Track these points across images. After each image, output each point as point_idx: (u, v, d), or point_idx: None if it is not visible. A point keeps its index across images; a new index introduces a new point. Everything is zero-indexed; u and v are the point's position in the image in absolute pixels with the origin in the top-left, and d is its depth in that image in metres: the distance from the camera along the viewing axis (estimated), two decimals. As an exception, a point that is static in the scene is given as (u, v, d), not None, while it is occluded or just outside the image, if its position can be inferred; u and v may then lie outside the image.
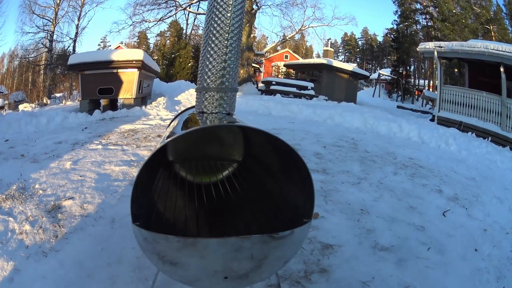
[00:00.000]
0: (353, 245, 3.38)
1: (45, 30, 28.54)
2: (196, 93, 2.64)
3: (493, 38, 27.77)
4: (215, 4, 2.45)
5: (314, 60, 25.93)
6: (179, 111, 3.57)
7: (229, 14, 2.43)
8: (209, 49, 2.48)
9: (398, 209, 4.27)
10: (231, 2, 2.43)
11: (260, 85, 22.89)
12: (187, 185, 2.84)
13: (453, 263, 3.23)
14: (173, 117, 3.49)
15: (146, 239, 1.81)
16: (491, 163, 7.45)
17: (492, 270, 3.23)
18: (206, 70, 2.49)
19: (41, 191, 4.18)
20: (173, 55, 31.45)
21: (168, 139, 1.95)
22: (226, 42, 2.44)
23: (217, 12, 2.45)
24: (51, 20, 28.47)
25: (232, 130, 2.83)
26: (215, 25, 2.45)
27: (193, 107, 2.98)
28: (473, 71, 14.32)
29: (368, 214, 4.04)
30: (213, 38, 2.45)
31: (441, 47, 13.58)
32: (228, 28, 2.43)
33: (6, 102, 20.98)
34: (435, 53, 13.76)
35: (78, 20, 30.07)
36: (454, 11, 30.29)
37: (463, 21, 29.28)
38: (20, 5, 29.10)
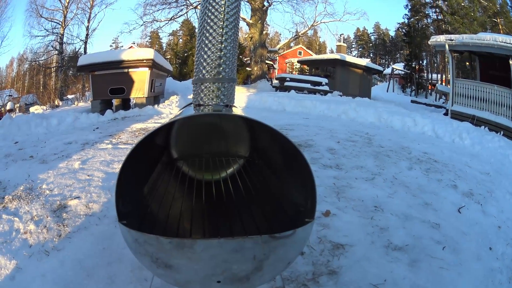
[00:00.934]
0: (365, 245, 3.22)
1: (55, 32, 28.67)
2: (192, 85, 2.50)
3: (501, 31, 27.21)
4: None
5: (327, 56, 25.75)
6: (184, 105, 3.49)
7: (223, 2, 2.27)
8: (203, 38, 2.33)
9: (412, 206, 4.11)
10: None
11: (275, 81, 22.76)
12: (188, 182, 2.68)
13: (467, 263, 3.08)
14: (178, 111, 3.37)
15: (137, 240, 1.67)
16: (503, 157, 7.24)
17: (504, 270, 3.10)
18: (202, 60, 2.34)
19: (48, 191, 4.17)
20: (185, 54, 31.45)
21: (152, 130, 1.83)
22: (221, 30, 2.27)
23: (211, 0, 2.30)
24: (60, 23, 28.55)
25: (236, 123, 2.69)
26: (209, 13, 2.29)
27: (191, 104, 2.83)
28: (483, 64, 14.00)
29: (381, 212, 3.88)
30: (208, 27, 2.30)
31: (452, 40, 13.31)
32: (222, 16, 2.27)
33: (17, 105, 21.11)
34: (447, 46, 13.48)
35: (88, 22, 30.17)
36: (462, 4, 29.75)
37: (471, 14, 28.76)
38: (27, 9, 29.42)
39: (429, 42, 15.19)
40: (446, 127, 9.34)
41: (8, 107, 16.85)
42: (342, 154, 6.03)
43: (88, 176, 4.66)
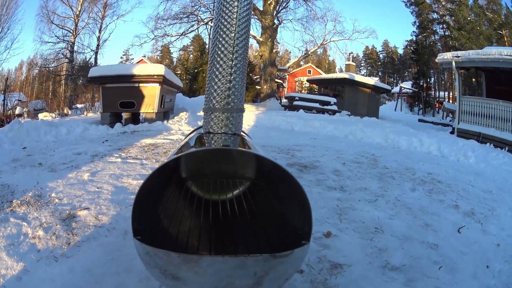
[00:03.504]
0: (363, 265, 3.31)
1: (65, 40, 29.24)
2: (203, 113, 2.69)
3: (506, 43, 27.28)
4: (220, 24, 2.51)
5: (336, 75, 25.90)
6: (191, 130, 3.64)
7: (232, 35, 2.48)
8: (214, 69, 2.54)
9: (413, 227, 4.17)
10: (234, 22, 2.49)
11: (284, 100, 22.96)
12: (196, 202, 2.84)
13: (463, 282, 3.13)
14: (187, 134, 3.58)
15: (148, 253, 1.88)
16: (507, 174, 7.26)
17: (500, 286, 3.14)
18: (212, 91, 2.55)
19: (57, 200, 4.28)
20: (196, 70, 31.68)
21: (165, 161, 2.03)
22: (231, 62, 2.49)
23: (221, 32, 2.51)
24: (71, 31, 29.10)
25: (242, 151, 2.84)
26: (220, 45, 2.51)
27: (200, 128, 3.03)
28: (490, 79, 14.09)
29: (382, 233, 3.96)
30: (218, 59, 2.51)
31: (458, 56, 13.42)
32: (232, 49, 2.48)
33: (25, 109, 21.19)
34: (453, 63, 13.60)
35: (99, 32, 30.90)
36: (468, 18, 29.93)
37: (477, 28, 28.92)
38: (37, 14, 29.86)
39: (436, 60, 15.31)
40: (452, 146, 9.37)
41: (17, 112, 17.00)
42: (347, 176, 6.10)
43: (97, 188, 4.76)
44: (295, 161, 6.91)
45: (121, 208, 4.20)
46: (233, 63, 2.49)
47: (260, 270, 1.83)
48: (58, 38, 29.00)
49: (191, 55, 39.63)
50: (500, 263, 3.53)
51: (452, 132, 13.79)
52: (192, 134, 3.21)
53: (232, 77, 2.50)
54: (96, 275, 2.89)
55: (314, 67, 45.82)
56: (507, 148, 10.52)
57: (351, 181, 5.80)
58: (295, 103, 20.30)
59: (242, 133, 2.96)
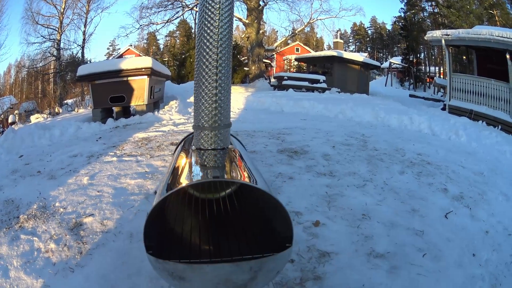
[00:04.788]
0: (349, 253, 3.47)
1: (51, 39, 28.90)
2: (193, 129, 2.86)
3: (498, 23, 27.26)
4: (202, 45, 2.62)
5: (324, 53, 25.82)
6: (181, 139, 3.83)
7: (214, 56, 2.60)
8: (200, 91, 2.68)
9: (399, 213, 4.29)
10: (215, 44, 2.60)
11: (273, 80, 22.89)
12: (194, 201, 3.06)
13: (447, 271, 3.25)
14: (178, 144, 3.82)
15: (158, 262, 2.16)
16: (500, 154, 7.36)
17: (487, 277, 3.23)
18: (200, 111, 2.70)
19: (61, 209, 4.33)
20: (183, 56, 31.48)
21: (161, 197, 2.25)
22: (215, 83, 2.62)
23: (204, 53, 2.62)
24: (57, 29, 28.78)
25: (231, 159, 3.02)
26: (204, 66, 2.62)
27: (192, 134, 3.24)
28: (481, 58, 14.14)
29: (369, 220, 4.09)
30: (203, 80, 2.64)
31: (448, 35, 13.46)
32: (215, 70, 2.60)
33: (16, 112, 21.03)
34: (443, 41, 13.66)
35: (85, 26, 30.50)
36: None
37: (467, 7, 28.79)
38: (23, 17, 29.59)
39: (425, 37, 15.30)
40: (443, 124, 9.50)
41: (10, 120, 16.87)
42: (337, 160, 6.18)
43: (98, 192, 4.81)
44: (285, 146, 6.99)
45: (123, 211, 4.29)
46: (218, 83, 2.62)
47: (254, 266, 2.17)
48: (44, 37, 28.68)
49: (178, 40, 39.23)
50: (487, 251, 3.61)
51: (443, 109, 13.91)
52: (183, 146, 3.46)
53: (218, 96, 2.64)
54: (111, 280, 3.08)
55: (302, 45, 45.48)
56: (500, 126, 10.67)
57: (340, 166, 5.90)
58: (284, 82, 20.30)
59: (231, 136, 3.22)
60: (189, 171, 2.71)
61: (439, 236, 3.82)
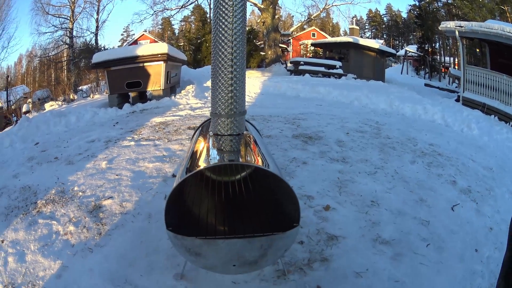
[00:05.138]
0: (356, 237, 3.57)
1: (63, 28, 28.72)
2: (210, 116, 3.02)
3: (509, 19, 26.57)
4: (218, 39, 2.79)
5: (340, 39, 25.46)
6: (199, 125, 4.01)
7: (230, 50, 2.76)
8: (217, 81, 2.83)
9: (407, 202, 4.34)
10: (230, 39, 2.76)
11: (289, 65, 22.68)
12: (211, 183, 3.28)
13: (448, 263, 3.31)
14: (196, 130, 4.02)
15: (177, 238, 2.41)
16: (510, 151, 7.24)
17: (487, 275, 3.25)
18: (217, 99, 2.86)
19: (80, 193, 4.43)
20: (199, 40, 31.19)
21: (182, 179, 2.48)
22: (231, 75, 2.78)
23: (219, 47, 2.78)
24: (68, 18, 28.58)
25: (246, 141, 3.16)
26: (220, 59, 2.79)
27: (209, 120, 3.45)
28: (493, 52, 13.85)
29: (377, 206, 4.16)
30: (219, 71, 2.80)
31: (462, 26, 13.18)
32: (231, 62, 2.76)
33: (30, 101, 21.07)
34: (456, 32, 13.38)
35: (97, 14, 30.41)
36: None
37: (480, 1, 28.07)
38: (32, 9, 29.36)
39: (439, 28, 15.00)
40: (456, 116, 9.42)
41: (24, 109, 16.95)
42: (350, 146, 6.22)
43: (116, 175, 4.90)
44: (300, 132, 7.03)
45: (142, 193, 4.40)
46: (233, 74, 2.78)
47: (265, 243, 2.43)
48: (55, 27, 28.56)
49: (193, 26, 38.83)
50: (490, 248, 3.64)
51: (457, 100, 13.70)
52: (201, 130, 3.74)
53: (233, 87, 2.80)
54: (129, 258, 3.23)
55: (318, 30, 44.69)
56: (511, 123, 10.48)
57: (353, 152, 5.94)
58: (301, 67, 20.12)
59: (246, 122, 3.38)
60: (207, 155, 2.87)
61: (444, 227, 3.87)
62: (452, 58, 36.26)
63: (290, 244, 2.56)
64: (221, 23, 2.75)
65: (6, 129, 9.42)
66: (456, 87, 20.52)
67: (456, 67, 30.39)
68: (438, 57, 36.16)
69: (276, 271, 3.04)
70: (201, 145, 3.10)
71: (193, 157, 2.87)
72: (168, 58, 11.75)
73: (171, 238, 2.47)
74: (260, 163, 2.69)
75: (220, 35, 2.76)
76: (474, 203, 4.57)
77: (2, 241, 3.51)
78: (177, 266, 3.06)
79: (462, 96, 13.26)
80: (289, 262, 3.16)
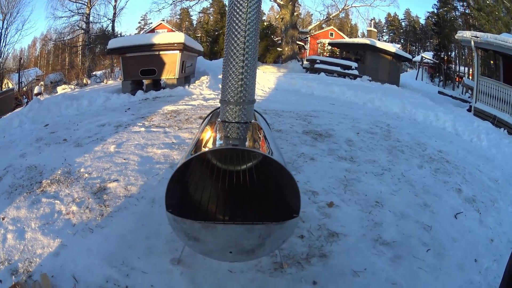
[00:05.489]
0: (357, 236, 3.52)
1: (80, 13, 28.37)
2: (220, 103, 3.04)
3: None
4: (231, 28, 2.82)
5: (357, 40, 25.19)
6: (209, 113, 3.98)
7: (242, 39, 2.79)
8: (228, 69, 2.86)
9: (411, 205, 4.27)
10: (243, 28, 2.78)
11: (305, 63, 22.55)
12: (216, 171, 3.28)
13: (447, 270, 3.24)
14: (208, 114, 4.00)
15: (176, 221, 2.42)
16: (517, 165, 7.06)
17: (484, 286, 3.18)
18: (227, 87, 2.89)
19: (86, 175, 4.44)
20: (216, 32, 31.04)
21: (187, 158, 2.48)
22: (242, 63, 2.81)
23: (233, 35, 2.81)
24: (85, 3, 28.20)
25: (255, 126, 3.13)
26: (232, 47, 2.83)
27: (219, 109, 3.39)
28: (507, 65, 13.53)
29: (381, 207, 4.10)
30: (231, 59, 2.83)
31: (477, 37, 12.94)
32: (243, 51, 2.79)
33: (42, 84, 20.93)
34: (472, 42, 13.13)
35: (115, 1, 29.96)
36: (487, 1, 28.54)
37: (496, 13, 27.58)
38: None
39: (456, 36, 14.78)
40: (467, 125, 9.25)
41: (35, 91, 16.92)
42: (359, 146, 6.14)
43: (124, 159, 4.90)
44: (311, 128, 6.97)
45: (148, 178, 4.39)
46: (244, 63, 2.81)
47: (263, 233, 2.42)
48: (72, 11, 28.14)
49: (211, 17, 38.60)
50: (489, 260, 3.56)
51: (469, 110, 13.50)
52: (210, 117, 3.71)
53: (244, 75, 2.82)
54: (129, 240, 3.23)
55: (336, 30, 44.20)
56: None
57: (362, 152, 5.88)
58: (317, 66, 19.93)
59: (255, 112, 3.40)
60: (213, 140, 2.86)
61: (446, 234, 3.80)
62: (466, 68, 35.77)
63: (289, 235, 2.55)
64: (235, 13, 2.77)
65: (16, 110, 9.42)
66: (469, 97, 20.21)
67: (470, 77, 29.99)
68: (453, 66, 35.71)
69: (274, 263, 3.01)
70: (208, 131, 3.09)
71: (199, 141, 2.85)
72: (184, 48, 11.66)
73: (170, 221, 2.47)
74: (264, 151, 2.66)
75: (234, 24, 2.79)
76: (478, 213, 4.48)
77: (3, 218, 3.52)
78: (175, 251, 3.05)
79: (474, 107, 13.05)
80: (287, 255, 3.13)
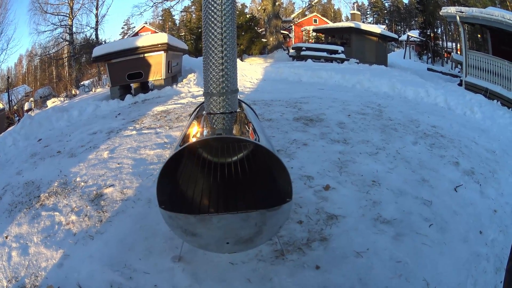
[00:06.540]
0: (356, 217, 3.47)
1: (63, 25, 28.08)
2: (204, 96, 3.06)
3: (509, 7, 26.17)
4: (208, 20, 2.82)
5: (342, 24, 25.23)
6: (195, 107, 4.07)
7: (219, 30, 2.80)
8: (208, 61, 2.88)
9: (409, 182, 4.22)
10: (219, 19, 2.79)
11: (291, 51, 22.47)
12: (207, 164, 3.28)
13: (452, 244, 3.20)
14: (194, 109, 4.08)
15: (171, 217, 2.43)
16: (513, 135, 7.04)
17: (492, 258, 3.14)
18: (208, 79, 2.91)
19: (82, 183, 4.42)
20: (200, 30, 30.93)
21: (177, 150, 2.47)
22: (221, 54, 2.82)
23: (210, 28, 2.82)
24: (67, 15, 27.94)
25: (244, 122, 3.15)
26: (210, 39, 2.84)
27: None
28: (494, 38, 13.58)
29: (378, 186, 4.05)
30: (210, 52, 2.84)
31: (462, 12, 12.96)
32: (221, 42, 2.81)
33: (32, 99, 20.60)
34: (457, 17, 13.15)
35: (96, 9, 29.61)
36: None
37: None
38: (30, 9, 28.63)
39: (440, 13, 14.84)
40: (459, 99, 9.24)
41: (26, 107, 16.71)
42: (351, 128, 6.10)
43: (118, 164, 4.87)
44: (301, 114, 6.90)
45: (142, 179, 4.37)
46: (223, 54, 2.81)
47: (259, 221, 2.42)
48: (54, 25, 27.81)
49: (194, 15, 38.43)
50: (494, 231, 3.52)
51: (460, 84, 13.51)
52: (198, 110, 3.80)
53: (224, 66, 2.83)
54: (129, 243, 3.22)
55: (320, 16, 44.19)
56: (513, 108, 10.27)
57: (354, 134, 5.82)
58: (303, 53, 19.86)
59: (241, 102, 3.53)
60: (199, 133, 2.87)
61: (447, 208, 3.76)
62: (454, 44, 35.87)
63: (284, 220, 2.55)
64: (210, 5, 2.78)
65: (9, 129, 9.32)
66: (458, 72, 20.24)
67: (459, 52, 30.05)
68: (441, 42, 35.79)
69: (274, 251, 2.97)
70: (194, 126, 3.09)
71: (186, 137, 2.84)
72: (168, 48, 11.55)
73: (165, 218, 2.47)
74: (250, 137, 2.69)
75: (210, 16, 2.79)
76: (478, 184, 4.44)
77: (6, 237, 3.53)
78: (175, 249, 3.04)
79: (465, 81, 13.06)
80: (287, 242, 3.09)
